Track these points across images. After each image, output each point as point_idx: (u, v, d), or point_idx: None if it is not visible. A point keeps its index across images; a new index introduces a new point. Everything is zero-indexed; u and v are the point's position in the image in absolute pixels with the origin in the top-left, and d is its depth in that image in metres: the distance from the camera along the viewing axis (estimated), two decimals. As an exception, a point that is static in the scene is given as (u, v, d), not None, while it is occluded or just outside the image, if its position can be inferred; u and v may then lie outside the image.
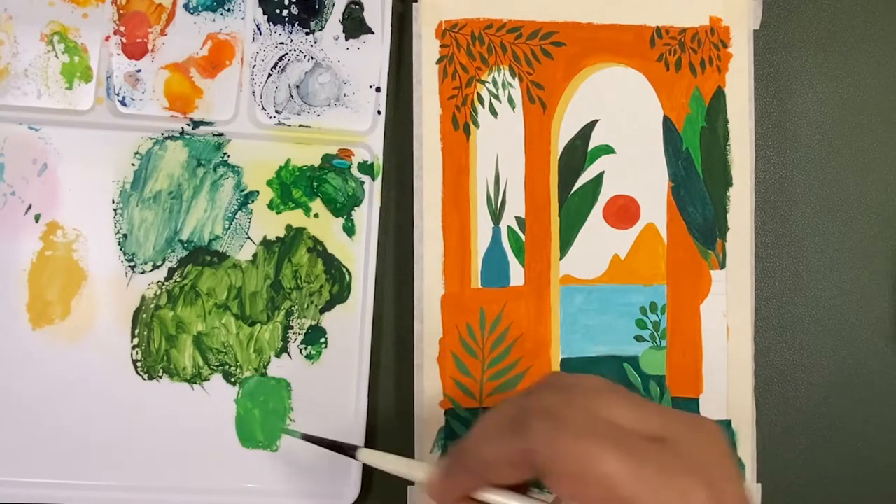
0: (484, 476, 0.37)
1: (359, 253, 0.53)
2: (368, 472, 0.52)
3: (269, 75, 0.53)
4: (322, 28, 0.54)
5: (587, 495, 0.33)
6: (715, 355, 0.53)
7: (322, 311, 0.53)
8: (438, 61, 0.53)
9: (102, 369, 0.51)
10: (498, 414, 0.37)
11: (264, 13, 0.53)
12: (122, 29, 0.53)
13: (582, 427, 0.34)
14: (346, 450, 0.45)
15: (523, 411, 0.35)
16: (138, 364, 0.52)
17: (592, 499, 0.33)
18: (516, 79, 0.53)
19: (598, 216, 0.53)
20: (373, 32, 0.54)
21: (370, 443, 0.52)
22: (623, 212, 0.53)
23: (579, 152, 0.53)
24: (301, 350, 0.52)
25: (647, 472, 0.33)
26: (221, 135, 0.53)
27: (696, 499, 0.33)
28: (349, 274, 0.53)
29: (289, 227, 0.53)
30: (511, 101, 0.53)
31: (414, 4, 0.53)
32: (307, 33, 0.53)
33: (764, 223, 0.56)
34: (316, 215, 0.53)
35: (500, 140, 0.53)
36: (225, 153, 0.53)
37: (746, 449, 0.52)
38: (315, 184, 0.53)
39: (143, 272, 0.52)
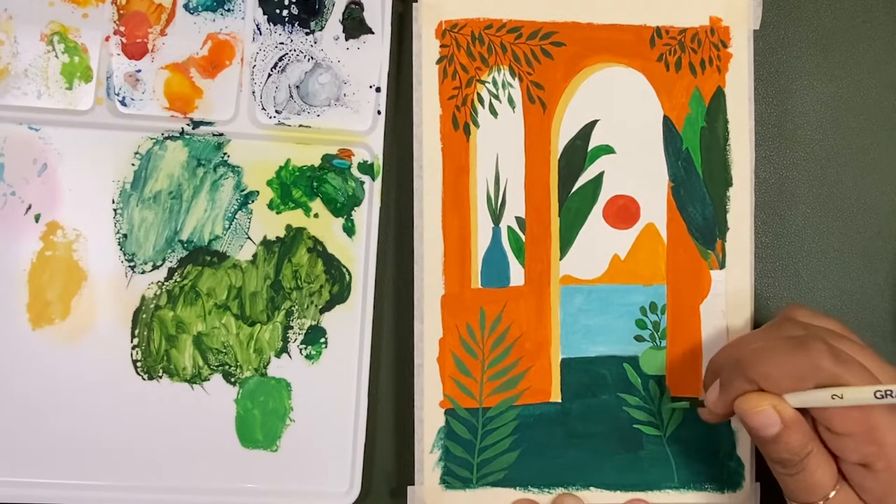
0: (763, 385, 0.44)
1: (359, 253, 0.53)
2: (368, 472, 0.53)
3: (269, 75, 0.53)
4: (322, 28, 0.54)
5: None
6: (715, 355, 0.53)
7: (322, 311, 0.53)
8: (438, 61, 0.53)
9: (102, 369, 0.51)
10: (772, 336, 0.46)
11: (264, 13, 0.53)
12: (122, 29, 0.53)
13: (847, 356, 0.43)
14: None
15: (805, 336, 0.44)
16: (138, 364, 0.52)
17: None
18: (516, 79, 0.53)
19: (598, 216, 0.53)
20: (373, 32, 0.54)
21: (370, 443, 0.52)
22: (623, 212, 0.53)
23: (579, 152, 0.53)
24: (301, 350, 0.52)
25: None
26: (221, 135, 0.53)
27: None
28: (349, 274, 0.53)
29: (289, 227, 0.53)
30: (511, 101, 0.53)
31: (414, 4, 0.53)
32: (307, 33, 0.53)
33: (764, 223, 0.56)
34: (316, 215, 0.53)
35: (500, 140, 0.53)
36: (225, 153, 0.53)
37: (746, 449, 0.52)
38: (315, 184, 0.53)
39: (143, 272, 0.52)
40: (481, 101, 0.53)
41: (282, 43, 0.53)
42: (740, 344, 0.47)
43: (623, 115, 0.53)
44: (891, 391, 0.41)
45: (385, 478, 0.54)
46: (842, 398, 0.42)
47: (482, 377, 0.52)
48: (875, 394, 0.42)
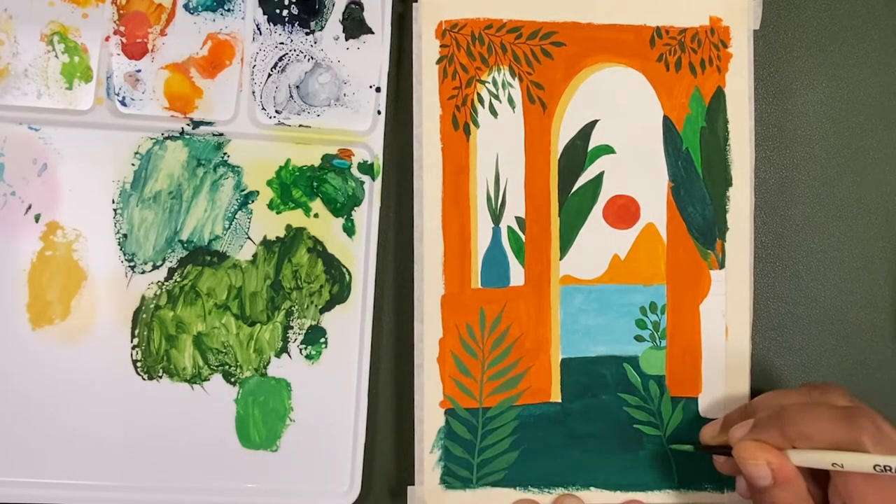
0: (794, 442, 0.44)
1: (359, 253, 0.53)
2: (368, 472, 0.53)
3: (269, 75, 0.53)
4: (322, 28, 0.54)
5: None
6: (714, 355, 0.53)
7: (322, 311, 0.53)
8: (438, 61, 0.53)
9: (102, 369, 0.51)
10: (816, 398, 0.46)
11: (264, 13, 0.53)
12: (122, 29, 0.53)
13: (890, 440, 0.42)
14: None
15: (853, 409, 0.44)
16: (138, 364, 0.52)
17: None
18: (516, 79, 0.53)
19: (598, 216, 0.53)
20: (373, 32, 0.54)
21: (370, 443, 0.52)
22: (623, 212, 0.53)
23: (579, 152, 0.53)
24: (301, 350, 0.52)
25: None
26: (221, 135, 0.53)
27: None
28: (349, 274, 0.53)
29: (289, 227, 0.53)
30: (511, 101, 0.53)
31: (414, 4, 0.53)
32: (307, 33, 0.53)
33: (764, 223, 0.56)
34: (316, 215, 0.53)
35: (500, 140, 0.53)
36: (225, 153, 0.53)
37: (746, 449, 0.53)
38: (315, 184, 0.53)
39: (143, 272, 0.52)
40: (481, 101, 0.53)
41: (282, 43, 0.53)
42: (784, 396, 0.47)
43: (623, 115, 0.53)
44: (890, 466, 0.41)
45: (385, 478, 0.54)
46: (842, 466, 0.42)
47: (482, 377, 0.52)
48: (874, 467, 0.41)
